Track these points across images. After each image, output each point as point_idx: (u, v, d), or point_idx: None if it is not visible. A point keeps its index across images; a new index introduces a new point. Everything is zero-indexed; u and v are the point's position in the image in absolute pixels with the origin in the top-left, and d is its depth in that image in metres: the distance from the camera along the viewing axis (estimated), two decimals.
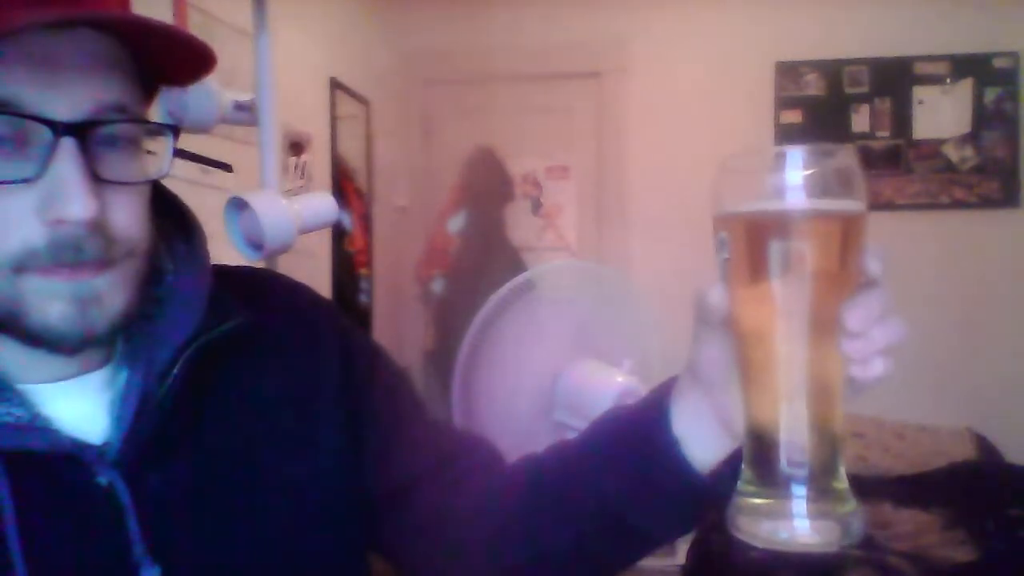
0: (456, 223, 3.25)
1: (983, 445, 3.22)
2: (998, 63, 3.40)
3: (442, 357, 2.85)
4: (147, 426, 0.61)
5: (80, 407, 0.61)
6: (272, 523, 0.66)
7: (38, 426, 0.58)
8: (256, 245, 1.19)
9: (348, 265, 3.04)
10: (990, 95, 3.40)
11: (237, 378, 0.67)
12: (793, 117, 3.53)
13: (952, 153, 3.43)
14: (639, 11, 3.58)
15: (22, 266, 0.55)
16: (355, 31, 3.26)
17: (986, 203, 3.40)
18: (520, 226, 3.54)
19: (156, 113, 0.61)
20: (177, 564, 0.60)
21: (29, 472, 0.57)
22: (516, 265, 3.15)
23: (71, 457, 0.58)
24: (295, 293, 0.77)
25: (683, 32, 3.59)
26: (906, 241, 3.45)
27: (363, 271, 3.23)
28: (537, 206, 3.77)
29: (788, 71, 3.53)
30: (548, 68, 3.67)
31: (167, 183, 0.67)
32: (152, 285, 0.63)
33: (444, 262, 3.24)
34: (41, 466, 0.58)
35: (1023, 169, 3.38)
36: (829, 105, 3.50)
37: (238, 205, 1.18)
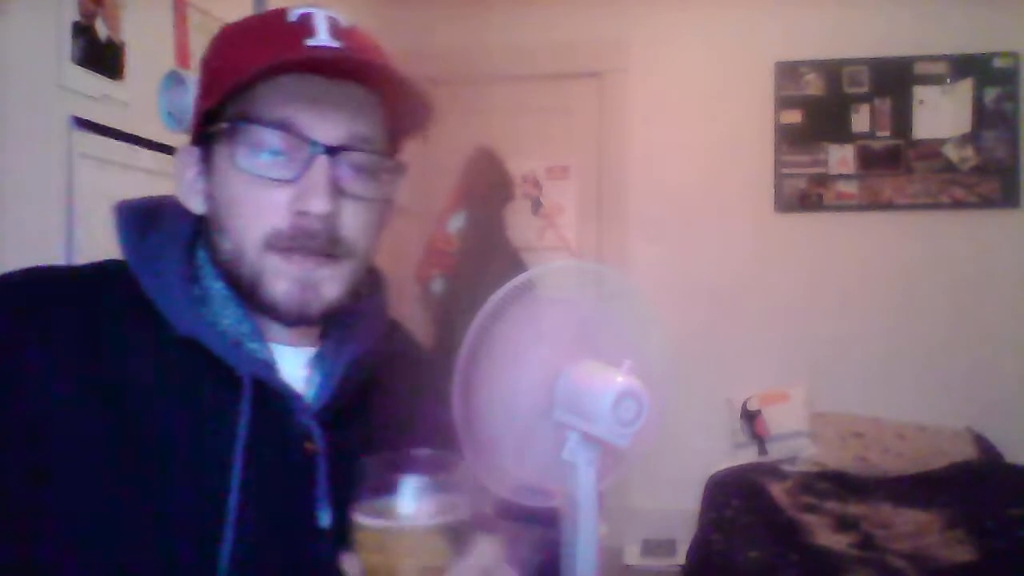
0: (456, 223, 3.25)
1: (983, 445, 3.22)
2: (998, 63, 3.40)
3: (442, 357, 2.85)
4: (343, 395, 0.79)
5: (290, 369, 0.78)
6: None
7: (276, 367, 0.77)
8: None
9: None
10: (990, 95, 3.40)
11: (390, 380, 0.86)
12: (793, 117, 3.53)
13: (952, 153, 3.43)
14: (639, 11, 3.59)
15: (269, 245, 0.73)
16: None
17: (986, 203, 3.40)
18: (520, 226, 3.54)
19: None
20: (345, 511, 0.72)
21: (256, 401, 0.73)
22: (516, 265, 3.14)
23: (286, 400, 0.76)
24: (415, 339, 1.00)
25: (683, 32, 3.59)
26: (906, 241, 3.46)
27: None
28: (537, 206, 3.77)
29: (788, 71, 3.53)
30: (548, 68, 3.67)
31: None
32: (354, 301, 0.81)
33: (444, 262, 3.24)
34: (266, 399, 0.74)
35: (1023, 169, 3.39)
36: (829, 105, 3.50)
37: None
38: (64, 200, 1.70)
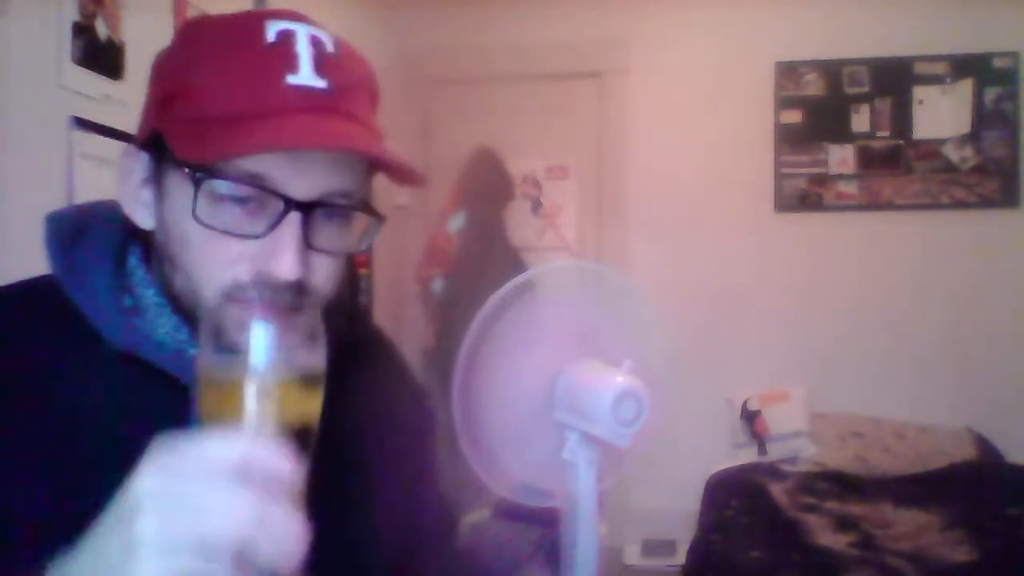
0: (456, 223, 3.25)
1: (983, 445, 3.22)
2: (998, 63, 3.40)
3: (442, 356, 2.85)
4: None
5: None
6: (360, 506, 0.79)
7: None
8: None
9: (348, 265, 3.04)
10: (990, 95, 3.40)
11: (350, 370, 0.78)
12: (793, 117, 3.53)
13: (952, 153, 3.43)
14: (639, 11, 3.59)
15: (230, 296, 0.66)
16: (355, 31, 3.26)
17: (986, 203, 3.40)
18: (520, 226, 3.54)
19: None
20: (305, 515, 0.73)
21: None
22: (516, 265, 3.15)
23: None
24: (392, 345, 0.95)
25: (683, 32, 3.59)
26: (906, 241, 3.46)
27: (363, 271, 3.23)
28: (537, 206, 3.77)
29: (788, 71, 3.53)
30: (548, 68, 3.67)
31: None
32: None
33: (444, 262, 3.24)
34: None
35: (1023, 169, 3.39)
36: (829, 105, 3.50)
37: None
38: (64, 200, 1.70)
